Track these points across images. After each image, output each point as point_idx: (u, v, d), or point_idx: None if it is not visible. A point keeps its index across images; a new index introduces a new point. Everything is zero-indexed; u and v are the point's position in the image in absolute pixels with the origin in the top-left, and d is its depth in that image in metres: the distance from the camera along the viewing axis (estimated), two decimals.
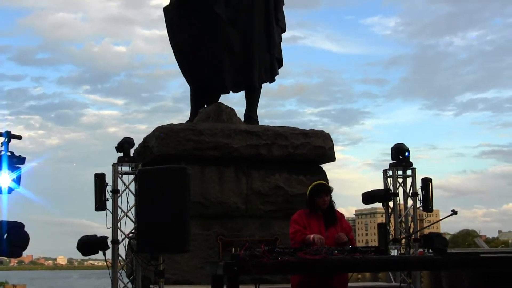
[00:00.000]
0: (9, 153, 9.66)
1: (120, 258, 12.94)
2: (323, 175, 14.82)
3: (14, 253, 9.52)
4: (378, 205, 14.80)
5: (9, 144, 9.69)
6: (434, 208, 14.41)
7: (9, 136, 9.73)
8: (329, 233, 9.38)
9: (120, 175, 12.98)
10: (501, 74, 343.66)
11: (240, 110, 16.08)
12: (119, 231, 12.87)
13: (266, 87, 16.32)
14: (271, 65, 16.12)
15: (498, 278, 9.60)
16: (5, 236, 9.30)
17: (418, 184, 14.26)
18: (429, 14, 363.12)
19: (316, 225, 9.46)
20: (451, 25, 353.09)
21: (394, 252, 10.42)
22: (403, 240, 14.06)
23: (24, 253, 9.85)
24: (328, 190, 9.80)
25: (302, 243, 9.04)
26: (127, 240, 12.97)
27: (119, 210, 12.91)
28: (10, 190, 9.72)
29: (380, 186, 14.43)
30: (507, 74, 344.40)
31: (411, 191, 14.37)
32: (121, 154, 13.12)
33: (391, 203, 14.36)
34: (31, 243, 9.41)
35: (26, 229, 9.43)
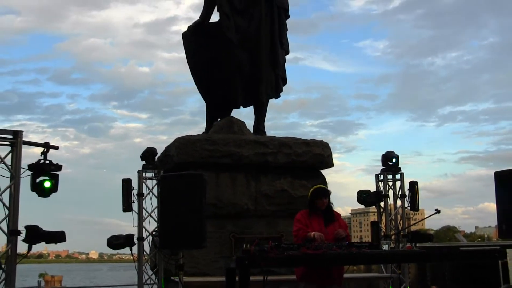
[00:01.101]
0: (47, 161, 9.67)
1: (144, 253, 12.92)
2: (322, 179, 14.77)
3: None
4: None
5: (48, 153, 9.71)
6: (420, 208, 14.40)
7: (47, 146, 9.74)
8: (328, 231, 9.37)
9: (144, 180, 12.96)
10: (477, 90, 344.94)
11: (249, 122, 16.07)
12: (143, 229, 12.84)
13: (272, 102, 16.32)
14: (276, 83, 16.09)
15: (475, 268, 9.59)
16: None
17: (406, 186, 14.25)
18: (413, 38, 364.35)
19: (316, 223, 9.46)
20: (432, 47, 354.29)
21: (385, 247, 10.39)
22: (393, 236, 14.04)
23: (61, 248, 9.87)
24: (327, 193, 9.82)
25: (304, 239, 9.03)
26: (151, 237, 12.95)
27: (144, 211, 12.90)
28: (49, 194, 9.74)
29: (373, 188, 14.41)
30: (482, 90, 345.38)
31: (399, 193, 14.36)
32: (145, 162, 13.13)
33: (382, 204, 14.36)
34: (67, 239, 9.44)
35: (64, 227, 9.45)
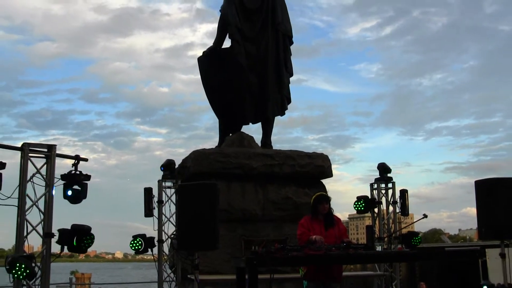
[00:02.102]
0: (78, 172, 9.68)
1: (164, 253, 12.92)
2: (323, 188, 14.72)
3: (82, 250, 9.52)
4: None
5: (78, 164, 9.72)
6: (409, 213, 14.36)
7: (78, 158, 9.75)
8: (328, 234, 9.34)
9: (164, 189, 12.97)
10: (459, 107, 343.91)
11: (257, 137, 16.05)
12: (163, 232, 12.85)
13: (278, 119, 16.28)
14: (281, 102, 16.07)
15: (458, 266, 9.55)
16: (75, 237, 9.33)
17: (397, 194, 14.22)
18: (403, 61, 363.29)
19: (318, 227, 9.43)
20: (420, 69, 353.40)
21: (379, 248, 10.34)
22: (386, 238, 14.00)
23: (90, 249, 9.85)
24: (327, 199, 9.79)
25: (307, 242, 9.00)
26: (169, 239, 12.94)
27: (163, 216, 12.90)
28: (80, 201, 9.75)
29: (368, 196, 14.38)
30: (464, 107, 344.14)
31: (391, 199, 14.33)
32: (164, 172, 13.13)
33: (376, 209, 14.32)
34: (95, 240, 9.43)
35: (93, 229, 9.44)
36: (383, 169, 14.42)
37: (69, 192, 9.55)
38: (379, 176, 14.43)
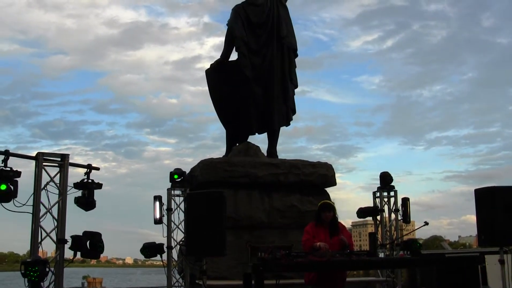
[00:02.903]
0: (90, 180, 9.72)
1: (173, 259, 12.92)
2: (327, 196, 14.71)
3: (94, 255, 9.56)
4: (369, 218, 14.75)
5: (90, 173, 9.76)
6: (411, 220, 14.35)
7: (90, 167, 9.79)
8: (333, 241, 9.32)
9: (173, 197, 12.98)
10: (458, 118, 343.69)
11: (263, 147, 16.05)
12: (172, 239, 12.85)
13: (283, 129, 16.27)
14: (286, 113, 16.08)
15: (458, 272, 9.54)
16: (88, 242, 9.36)
17: (399, 202, 14.21)
18: (404, 73, 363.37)
19: (322, 234, 9.42)
20: (420, 81, 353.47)
21: (381, 254, 10.33)
22: (388, 245, 13.98)
23: (101, 255, 9.88)
24: (331, 207, 9.78)
25: (311, 248, 8.99)
26: (178, 246, 12.95)
27: (172, 224, 12.91)
28: (92, 208, 9.79)
29: (370, 204, 14.39)
30: (463, 118, 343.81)
31: (393, 207, 14.33)
32: (173, 181, 13.13)
33: (378, 217, 14.32)
34: (106, 246, 9.47)
35: (104, 236, 9.48)
36: (385, 178, 14.43)
37: (81, 200, 9.62)
38: (381, 185, 14.44)
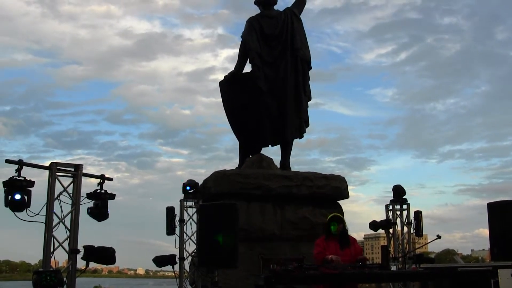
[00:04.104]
0: (103, 191, 9.73)
1: (185, 270, 12.94)
2: (339, 208, 14.69)
3: (106, 262, 9.59)
4: (382, 231, 14.72)
5: (103, 184, 9.77)
6: (423, 233, 14.32)
7: (103, 178, 9.81)
8: (344, 253, 9.30)
9: (185, 208, 13.02)
10: (471, 131, 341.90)
11: (276, 159, 16.06)
12: (184, 250, 12.88)
13: (296, 141, 16.28)
14: (300, 125, 16.08)
15: (471, 286, 9.50)
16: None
17: (412, 215, 14.18)
18: (417, 86, 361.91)
19: (333, 247, 9.41)
20: (434, 94, 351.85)
21: (393, 267, 10.31)
22: (400, 258, 13.94)
23: (113, 265, 9.90)
24: (340, 220, 9.76)
25: (323, 261, 8.98)
26: (190, 257, 12.97)
27: (185, 235, 12.93)
28: (104, 218, 9.80)
29: (383, 217, 14.36)
30: (476, 131, 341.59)
31: (406, 220, 14.30)
32: (186, 192, 13.16)
33: (391, 230, 14.29)
34: (118, 256, 9.48)
35: (116, 246, 9.48)
36: (398, 191, 14.40)
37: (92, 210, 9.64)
38: (394, 198, 14.42)
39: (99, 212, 9.73)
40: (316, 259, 9.33)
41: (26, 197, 8.72)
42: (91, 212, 9.69)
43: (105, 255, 9.39)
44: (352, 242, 9.72)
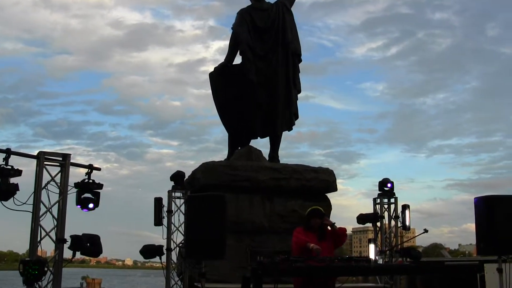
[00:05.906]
0: (91, 181, 9.70)
1: (172, 261, 12.93)
2: (328, 202, 14.74)
3: (93, 254, 9.58)
4: (369, 224, 14.72)
5: (91, 173, 9.74)
6: (411, 227, 14.33)
7: (91, 168, 9.78)
8: (321, 246, 9.27)
9: (173, 199, 13.00)
10: (461, 126, 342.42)
11: (265, 151, 16.09)
12: (172, 241, 12.87)
13: (285, 133, 16.32)
14: (289, 118, 16.11)
15: (458, 280, 9.56)
16: (88, 244, 9.37)
17: (399, 209, 14.18)
18: (407, 81, 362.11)
19: (311, 239, 9.38)
20: (424, 89, 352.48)
21: (380, 261, 10.30)
22: (387, 252, 13.96)
23: (101, 256, 9.88)
24: (320, 214, 9.75)
25: (303, 248, 8.98)
26: (178, 248, 12.96)
27: (172, 226, 12.92)
28: (92, 209, 9.76)
29: (371, 210, 14.35)
30: (465, 126, 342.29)
31: (393, 214, 14.29)
32: (174, 183, 13.15)
33: (378, 223, 14.29)
34: (106, 247, 9.46)
35: (104, 236, 9.47)
36: (385, 184, 14.41)
37: (82, 200, 9.59)
38: (381, 191, 14.42)
39: (88, 202, 9.69)
40: (297, 244, 9.27)
41: (13, 186, 8.68)
42: (79, 201, 9.63)
43: (92, 245, 9.38)
44: (328, 236, 9.64)
